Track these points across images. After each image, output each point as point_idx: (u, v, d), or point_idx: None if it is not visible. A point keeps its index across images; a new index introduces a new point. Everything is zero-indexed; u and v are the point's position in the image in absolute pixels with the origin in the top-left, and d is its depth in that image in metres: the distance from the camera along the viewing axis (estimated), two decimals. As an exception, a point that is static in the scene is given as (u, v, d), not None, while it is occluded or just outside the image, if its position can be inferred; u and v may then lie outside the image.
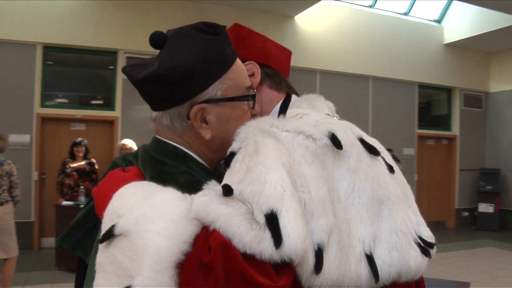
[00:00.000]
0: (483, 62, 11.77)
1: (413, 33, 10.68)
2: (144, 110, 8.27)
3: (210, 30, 1.03)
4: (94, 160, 7.24)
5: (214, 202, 0.87)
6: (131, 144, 7.21)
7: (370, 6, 10.38)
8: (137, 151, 1.12)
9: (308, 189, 0.92)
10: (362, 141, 1.08)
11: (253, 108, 1.12)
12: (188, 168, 1.03)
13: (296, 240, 0.83)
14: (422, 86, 10.90)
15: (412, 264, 1.00)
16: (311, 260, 0.86)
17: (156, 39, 1.02)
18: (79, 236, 1.13)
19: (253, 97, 1.10)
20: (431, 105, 11.70)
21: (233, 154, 0.98)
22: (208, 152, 1.08)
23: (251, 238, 0.83)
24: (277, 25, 9.23)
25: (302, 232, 0.84)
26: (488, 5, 8.90)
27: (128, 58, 8.24)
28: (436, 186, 11.30)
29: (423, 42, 10.82)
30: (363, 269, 0.93)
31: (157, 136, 1.09)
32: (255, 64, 1.35)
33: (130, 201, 0.92)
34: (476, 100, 11.58)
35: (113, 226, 0.89)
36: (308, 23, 9.66)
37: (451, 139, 11.40)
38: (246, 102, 1.09)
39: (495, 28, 10.05)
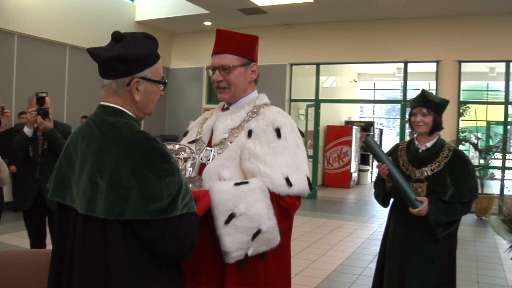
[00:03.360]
0: (167, 42, 13.36)
1: (109, 8, 11.38)
2: None
3: (150, 38, 1.70)
4: None
5: (283, 184, 1.97)
6: None
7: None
8: (88, 123, 1.70)
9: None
10: None
11: (162, 90, 1.78)
12: (125, 119, 1.65)
13: (313, 186, 2.15)
14: (114, 58, 11.71)
15: None
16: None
17: (117, 36, 1.65)
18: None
19: (165, 84, 1.76)
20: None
21: (279, 129, 2.05)
22: (136, 110, 1.71)
23: (306, 189, 2.02)
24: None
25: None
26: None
27: None
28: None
29: (117, 17, 11.66)
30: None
31: (102, 103, 1.70)
32: (257, 65, 2.24)
33: (229, 202, 1.89)
34: (159, 75, 13.10)
35: (232, 213, 1.87)
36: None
37: (138, 108, 12.58)
38: (160, 85, 1.74)
39: (177, 15, 11.74)
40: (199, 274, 2.01)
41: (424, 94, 3.16)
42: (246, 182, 1.94)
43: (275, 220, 1.94)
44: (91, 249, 1.53)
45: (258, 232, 1.89)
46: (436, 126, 3.13)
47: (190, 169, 2.01)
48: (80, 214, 1.55)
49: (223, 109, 2.28)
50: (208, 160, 2.12)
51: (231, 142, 2.11)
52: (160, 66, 1.75)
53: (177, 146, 1.97)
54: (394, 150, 3.36)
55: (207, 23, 12.35)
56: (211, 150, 2.14)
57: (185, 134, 2.41)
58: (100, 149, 1.56)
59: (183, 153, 1.97)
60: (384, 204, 3.33)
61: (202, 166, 2.12)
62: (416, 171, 3.14)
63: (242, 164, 2.04)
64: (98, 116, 1.68)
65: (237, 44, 2.17)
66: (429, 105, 3.10)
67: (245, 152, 2.04)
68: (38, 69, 9.94)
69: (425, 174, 3.10)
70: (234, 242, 1.87)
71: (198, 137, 2.26)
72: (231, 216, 1.87)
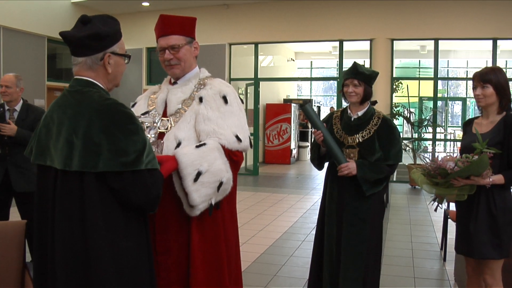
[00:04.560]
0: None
1: (43, -11, 11.12)
2: None
3: (112, 18, 1.94)
4: None
5: (235, 141, 2.38)
6: None
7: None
8: (64, 94, 1.92)
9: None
10: None
11: (127, 63, 2.02)
12: (96, 89, 1.89)
13: (251, 144, 2.52)
14: (51, 40, 11.50)
15: None
16: None
17: (85, 19, 1.88)
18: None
19: (129, 57, 2.01)
20: (57, 58, 12.40)
21: (225, 97, 2.45)
22: (107, 81, 1.96)
23: (248, 146, 2.48)
24: None
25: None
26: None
27: None
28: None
29: (52, -2, 11.43)
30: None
31: (76, 77, 1.91)
32: (197, 43, 2.60)
33: (195, 163, 2.20)
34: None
35: (199, 172, 2.19)
36: None
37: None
38: (125, 58, 1.99)
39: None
40: (168, 228, 2.34)
41: (355, 66, 3.42)
42: (204, 144, 2.28)
43: (231, 172, 2.31)
44: (70, 199, 1.77)
45: (221, 184, 2.24)
46: (367, 96, 3.41)
47: (153, 135, 2.31)
48: (59, 171, 1.80)
49: (171, 83, 2.59)
50: (166, 129, 2.43)
51: (185, 111, 2.44)
52: (123, 42, 2.01)
53: (140, 119, 2.25)
54: (329, 118, 3.62)
55: (145, 3, 12.32)
56: (168, 120, 2.45)
57: (133, 105, 2.69)
58: (75, 114, 1.82)
59: (146, 123, 2.28)
60: (319, 167, 3.60)
61: (161, 134, 2.41)
62: (348, 138, 3.41)
63: (197, 126, 2.37)
64: (72, 87, 1.93)
65: (181, 26, 2.51)
66: (360, 77, 3.37)
67: (199, 116, 2.40)
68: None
69: (357, 140, 3.38)
70: (201, 196, 2.20)
71: (151, 109, 2.54)
72: (198, 174, 2.19)
